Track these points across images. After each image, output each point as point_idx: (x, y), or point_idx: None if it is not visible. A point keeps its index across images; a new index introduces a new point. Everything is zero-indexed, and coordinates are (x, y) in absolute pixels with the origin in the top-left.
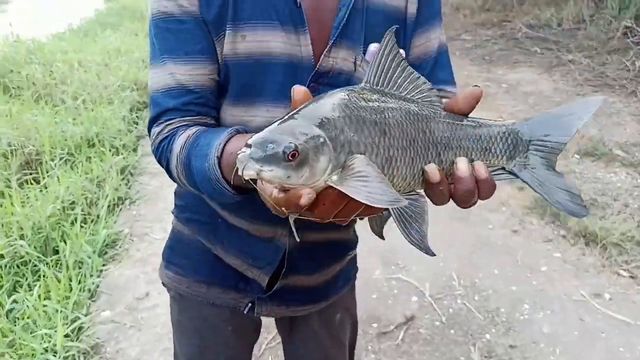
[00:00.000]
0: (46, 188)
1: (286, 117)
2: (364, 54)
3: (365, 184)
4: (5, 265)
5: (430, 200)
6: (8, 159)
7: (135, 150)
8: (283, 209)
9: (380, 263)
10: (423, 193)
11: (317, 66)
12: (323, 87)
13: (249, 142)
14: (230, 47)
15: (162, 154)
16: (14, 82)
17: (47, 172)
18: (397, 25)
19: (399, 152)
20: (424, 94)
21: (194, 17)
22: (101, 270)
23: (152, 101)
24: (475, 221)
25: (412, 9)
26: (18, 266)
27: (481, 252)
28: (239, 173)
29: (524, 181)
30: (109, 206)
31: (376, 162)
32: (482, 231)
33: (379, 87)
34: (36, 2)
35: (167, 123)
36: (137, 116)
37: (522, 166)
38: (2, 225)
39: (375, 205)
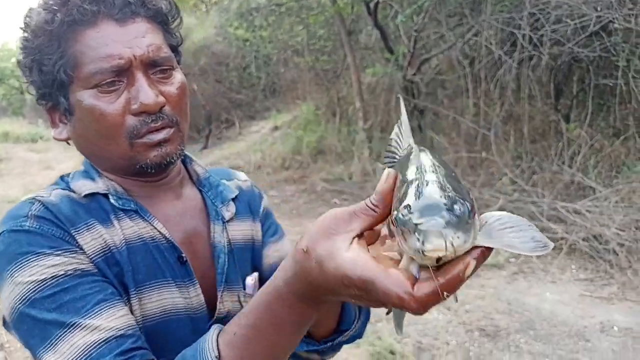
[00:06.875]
0: None
1: (423, 182)
2: (244, 288)
3: (514, 232)
4: None
5: None
6: None
7: None
8: (445, 294)
9: None
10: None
11: (216, 313)
12: None
13: (422, 204)
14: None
15: None
16: None
17: None
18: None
19: None
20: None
21: (92, 273)
22: None
23: None
24: None
25: (258, 235)
26: None
27: None
28: (425, 247)
29: None
30: None
31: None
32: None
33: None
34: None
35: None
36: None
37: None
38: None
39: (532, 254)
